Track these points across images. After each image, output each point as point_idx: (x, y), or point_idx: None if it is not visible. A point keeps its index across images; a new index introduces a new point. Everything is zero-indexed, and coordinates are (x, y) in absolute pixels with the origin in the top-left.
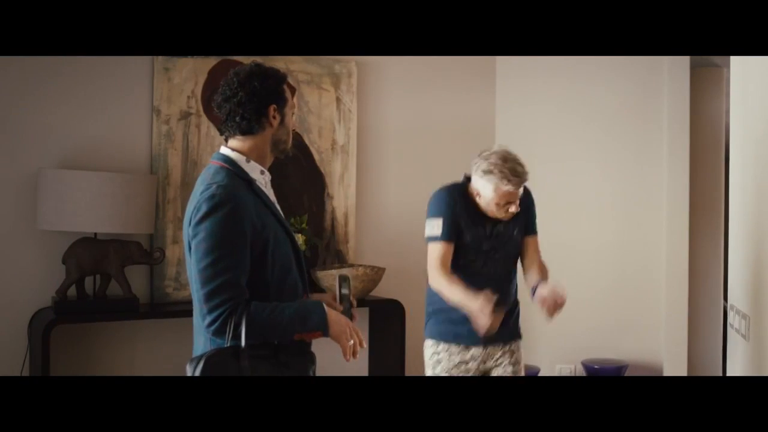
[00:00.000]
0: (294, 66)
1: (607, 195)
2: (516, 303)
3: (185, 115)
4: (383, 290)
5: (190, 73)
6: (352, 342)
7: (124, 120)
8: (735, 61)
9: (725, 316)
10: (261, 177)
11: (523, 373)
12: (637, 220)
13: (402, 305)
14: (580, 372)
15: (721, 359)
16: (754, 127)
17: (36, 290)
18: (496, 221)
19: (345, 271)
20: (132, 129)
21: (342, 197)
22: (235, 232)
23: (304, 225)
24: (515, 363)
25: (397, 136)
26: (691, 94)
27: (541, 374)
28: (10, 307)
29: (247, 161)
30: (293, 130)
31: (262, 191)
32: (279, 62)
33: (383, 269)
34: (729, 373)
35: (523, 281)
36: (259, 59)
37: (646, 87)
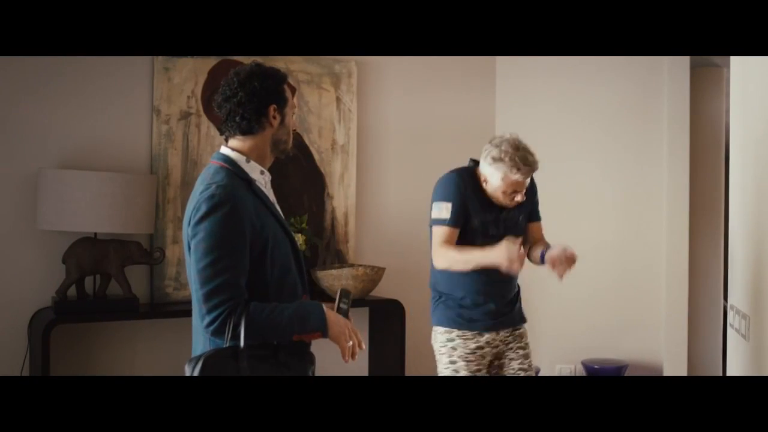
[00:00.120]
0: (294, 66)
1: (607, 195)
2: (518, 288)
3: (185, 115)
4: (383, 290)
5: (190, 73)
6: (351, 343)
7: (124, 120)
8: (735, 61)
9: (725, 316)
10: (261, 177)
11: (531, 356)
12: (637, 220)
13: (402, 305)
14: (580, 372)
15: (721, 359)
16: (754, 127)
17: (36, 290)
18: (503, 207)
19: (345, 271)
20: (132, 129)
21: (342, 197)
22: (235, 232)
23: (304, 225)
24: (525, 346)
25: (397, 136)
26: (691, 94)
27: (541, 374)
28: (10, 307)
29: (247, 161)
30: (293, 130)
31: (262, 191)
32: (279, 62)
33: (383, 269)
34: (729, 373)
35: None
36: (259, 59)
37: (646, 87)
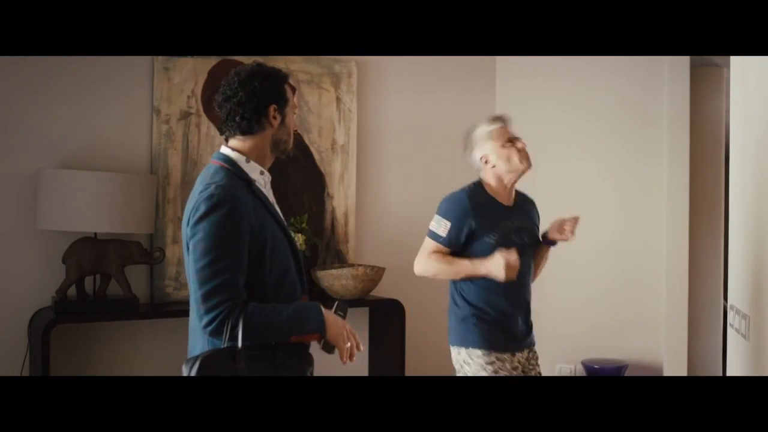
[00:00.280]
0: (294, 66)
1: (607, 195)
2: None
3: (185, 115)
4: (383, 290)
5: (190, 73)
6: (349, 344)
7: (124, 120)
8: (735, 61)
9: (725, 316)
10: (260, 177)
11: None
12: (637, 219)
13: (402, 305)
14: (580, 372)
15: (721, 359)
16: (754, 127)
17: (36, 290)
18: (519, 214)
19: (345, 271)
20: (132, 129)
21: (342, 197)
22: (234, 233)
23: (304, 225)
24: (537, 365)
25: (397, 136)
26: (691, 94)
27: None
28: (10, 307)
29: (247, 161)
30: (294, 130)
31: (261, 192)
32: (279, 62)
33: (383, 269)
34: (729, 373)
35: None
36: (259, 59)
37: (646, 87)
